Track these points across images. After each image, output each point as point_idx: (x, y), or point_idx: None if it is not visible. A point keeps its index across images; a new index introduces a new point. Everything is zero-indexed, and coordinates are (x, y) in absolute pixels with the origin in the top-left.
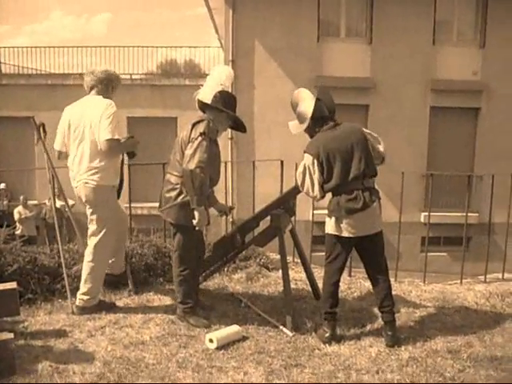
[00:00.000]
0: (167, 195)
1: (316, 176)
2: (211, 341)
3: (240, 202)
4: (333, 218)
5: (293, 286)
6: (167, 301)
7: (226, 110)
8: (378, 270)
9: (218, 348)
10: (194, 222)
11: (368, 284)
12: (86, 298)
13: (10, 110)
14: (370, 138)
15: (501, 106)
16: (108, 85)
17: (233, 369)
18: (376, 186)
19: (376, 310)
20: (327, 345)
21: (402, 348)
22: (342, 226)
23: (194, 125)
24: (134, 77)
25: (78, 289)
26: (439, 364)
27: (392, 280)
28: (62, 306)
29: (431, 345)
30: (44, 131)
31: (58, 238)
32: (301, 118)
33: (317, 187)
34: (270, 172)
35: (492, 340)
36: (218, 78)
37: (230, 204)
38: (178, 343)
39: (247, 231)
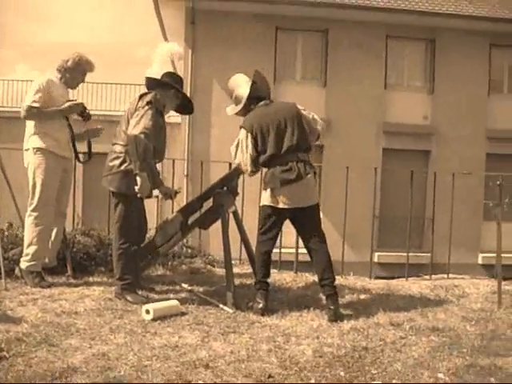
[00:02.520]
0: (110, 164)
1: (249, 150)
2: (147, 312)
3: None
4: (268, 190)
5: (237, 278)
6: (106, 285)
7: (174, 85)
8: (315, 242)
9: (155, 319)
10: (136, 188)
11: (314, 278)
12: (28, 258)
13: None
14: (306, 114)
15: (450, 149)
16: (60, 69)
17: (168, 333)
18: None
19: (320, 296)
20: (267, 318)
21: (345, 321)
22: (277, 197)
23: (140, 96)
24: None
25: (13, 271)
26: (381, 333)
27: (338, 276)
28: None
29: (374, 319)
30: None
31: None
32: (237, 101)
33: (249, 161)
34: None
35: (435, 316)
36: (164, 56)
37: (175, 187)
38: (113, 315)
39: (190, 213)
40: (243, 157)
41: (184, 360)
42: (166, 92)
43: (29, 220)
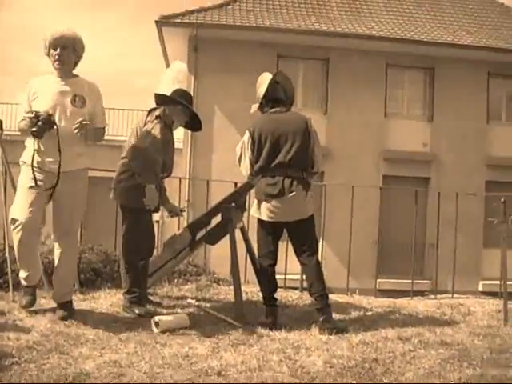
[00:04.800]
0: (119, 177)
1: (248, 152)
2: (157, 324)
3: None
4: (256, 201)
5: (244, 295)
6: (114, 298)
7: (182, 102)
8: (304, 256)
9: (163, 332)
10: (145, 200)
11: None
12: (22, 277)
13: None
14: (315, 136)
15: (449, 176)
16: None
17: (177, 344)
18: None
19: None
20: (276, 332)
21: (353, 335)
22: (261, 209)
23: (150, 111)
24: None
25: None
26: (390, 346)
27: (343, 295)
28: (3, 296)
29: (382, 334)
30: (1, 128)
31: (6, 235)
32: (257, 100)
33: (246, 163)
34: None
35: (442, 331)
36: (172, 77)
37: (181, 206)
38: (122, 327)
39: (198, 228)
40: (243, 159)
41: (196, 368)
42: (175, 108)
43: None
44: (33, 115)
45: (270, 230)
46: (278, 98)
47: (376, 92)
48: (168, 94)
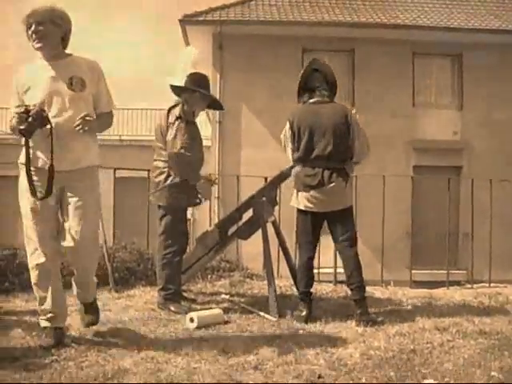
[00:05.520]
0: (156, 180)
1: (289, 143)
2: (192, 320)
3: None
4: (295, 191)
5: (278, 289)
6: (148, 296)
7: (198, 90)
8: (342, 246)
9: (199, 327)
10: (200, 195)
11: None
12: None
13: None
14: (357, 124)
15: (482, 164)
16: None
17: (213, 339)
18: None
19: None
20: (311, 325)
21: (389, 326)
22: (299, 198)
23: (169, 110)
24: (122, 137)
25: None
26: (427, 337)
27: (378, 286)
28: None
29: (419, 324)
30: None
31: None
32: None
33: (289, 151)
34: None
35: (480, 321)
36: (185, 62)
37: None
38: (157, 324)
39: (230, 224)
40: (286, 146)
41: (232, 363)
42: (193, 95)
43: None
44: (22, 110)
45: (310, 221)
46: (313, 87)
47: (403, 81)
48: (184, 79)
